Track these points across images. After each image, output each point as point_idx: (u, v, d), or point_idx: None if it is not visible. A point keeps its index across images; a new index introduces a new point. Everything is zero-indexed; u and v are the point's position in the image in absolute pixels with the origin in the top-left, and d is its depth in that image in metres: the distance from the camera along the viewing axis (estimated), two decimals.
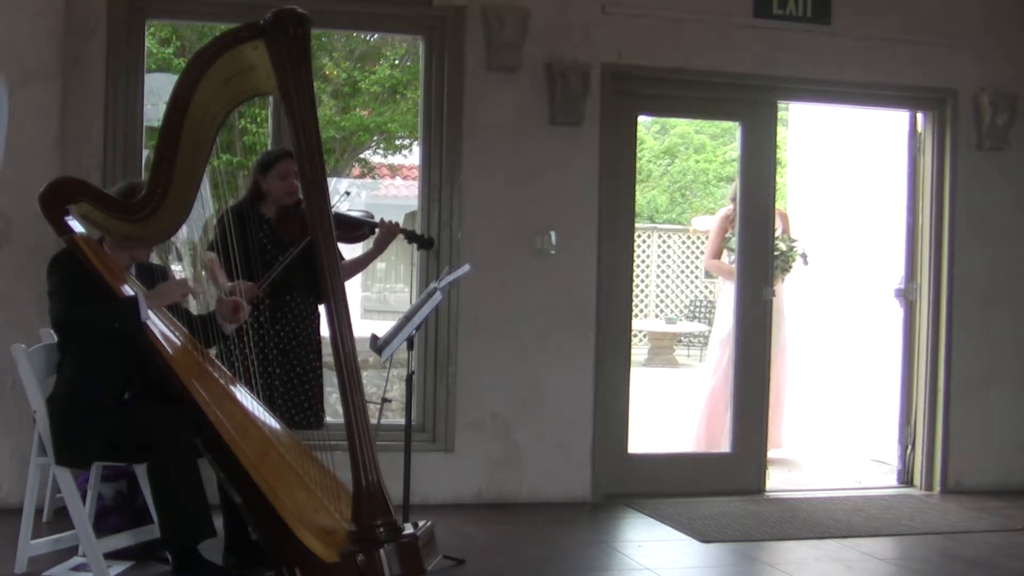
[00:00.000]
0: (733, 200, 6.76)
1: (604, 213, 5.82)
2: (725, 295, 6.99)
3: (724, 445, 6.40)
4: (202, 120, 3.65)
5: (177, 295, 4.05)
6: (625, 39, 5.82)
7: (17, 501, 4.46)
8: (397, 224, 4.70)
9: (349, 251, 4.72)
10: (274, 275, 4.32)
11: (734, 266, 6.49)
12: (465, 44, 5.61)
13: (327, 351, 3.85)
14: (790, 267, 7.11)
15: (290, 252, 4.34)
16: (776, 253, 6.72)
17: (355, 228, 4.66)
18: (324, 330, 3.91)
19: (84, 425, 3.83)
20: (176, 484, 3.77)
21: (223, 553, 4.28)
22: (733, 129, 14.38)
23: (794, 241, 7.14)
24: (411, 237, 4.81)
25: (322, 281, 3.56)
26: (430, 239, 5.00)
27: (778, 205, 7.08)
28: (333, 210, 3.82)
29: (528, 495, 5.71)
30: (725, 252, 7.05)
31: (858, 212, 7.47)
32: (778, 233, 6.90)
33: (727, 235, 6.99)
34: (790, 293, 7.30)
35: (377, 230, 4.68)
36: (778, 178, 6.93)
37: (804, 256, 7.16)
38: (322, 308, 3.97)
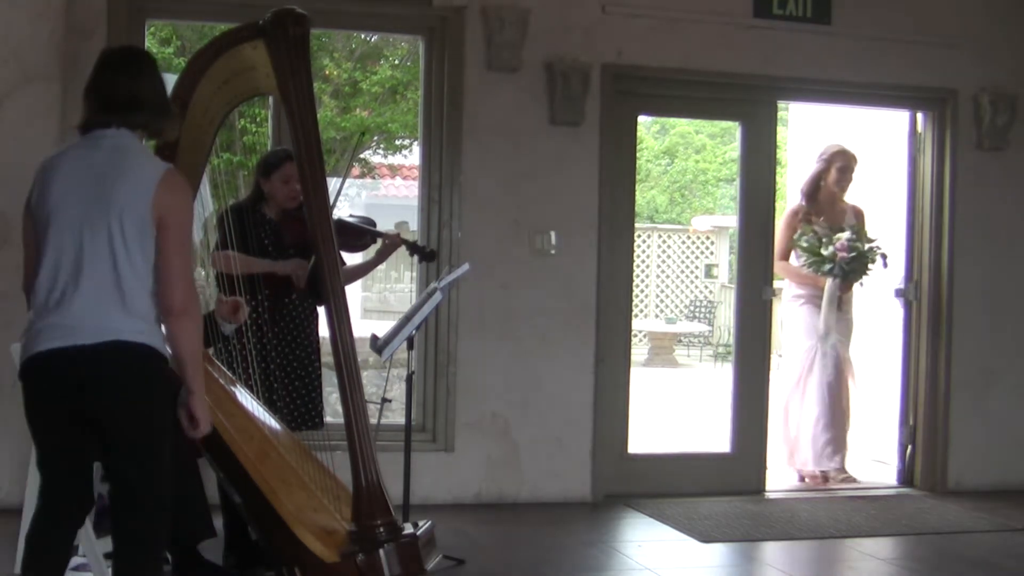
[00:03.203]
0: (804, 195, 6.49)
1: (604, 213, 5.82)
2: (803, 304, 6.51)
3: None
4: (202, 120, 3.65)
5: None
6: (625, 39, 5.82)
7: (17, 501, 4.45)
8: (399, 235, 4.71)
9: (349, 258, 4.72)
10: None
11: (805, 270, 6.32)
12: (465, 44, 5.61)
13: (327, 351, 3.85)
14: (869, 270, 6.37)
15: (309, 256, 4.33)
16: (852, 254, 6.22)
17: (358, 236, 4.65)
18: (324, 331, 3.91)
19: None
20: (176, 484, 3.76)
21: (223, 553, 4.28)
22: (733, 129, 14.39)
23: (872, 240, 6.37)
24: (413, 249, 4.78)
25: (322, 281, 3.56)
26: (432, 251, 4.97)
27: (854, 201, 6.52)
28: (336, 216, 3.81)
29: (528, 495, 5.71)
30: (794, 253, 6.45)
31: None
32: (851, 230, 6.30)
33: (796, 234, 6.41)
34: (870, 302, 6.73)
35: (380, 240, 4.67)
36: (778, 178, 6.91)
37: (884, 257, 6.37)
38: (322, 309, 3.96)
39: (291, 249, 4.45)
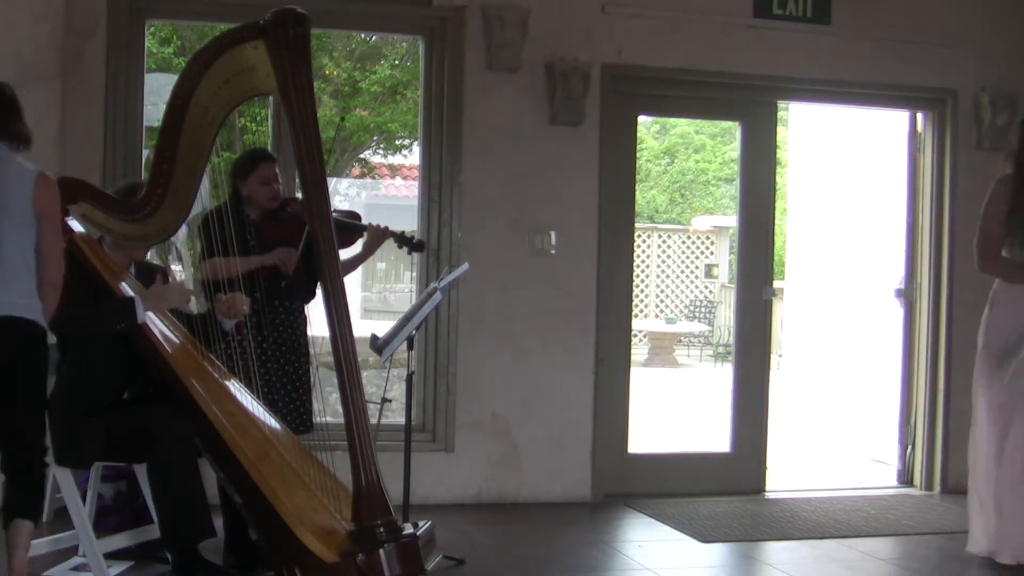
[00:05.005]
0: (1016, 163, 4.69)
1: (604, 213, 5.82)
2: (1004, 306, 4.68)
3: None
4: (202, 120, 3.65)
5: (176, 300, 4.03)
6: (625, 39, 5.82)
7: None
8: (387, 228, 4.60)
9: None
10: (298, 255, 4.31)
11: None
12: (465, 44, 5.62)
13: (327, 351, 3.84)
14: None
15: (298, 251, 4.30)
16: None
17: (344, 232, 4.61)
18: (313, 331, 3.89)
19: (84, 425, 3.83)
20: (176, 484, 3.76)
21: (223, 553, 4.28)
22: (733, 129, 14.39)
23: None
24: (401, 240, 4.65)
25: (322, 281, 3.56)
26: (420, 242, 4.83)
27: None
28: None
29: (528, 495, 5.71)
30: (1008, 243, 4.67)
31: (858, 212, 7.47)
32: None
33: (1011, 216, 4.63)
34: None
35: (366, 234, 4.59)
36: (778, 178, 6.90)
37: None
38: (320, 309, 3.95)
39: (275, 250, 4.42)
